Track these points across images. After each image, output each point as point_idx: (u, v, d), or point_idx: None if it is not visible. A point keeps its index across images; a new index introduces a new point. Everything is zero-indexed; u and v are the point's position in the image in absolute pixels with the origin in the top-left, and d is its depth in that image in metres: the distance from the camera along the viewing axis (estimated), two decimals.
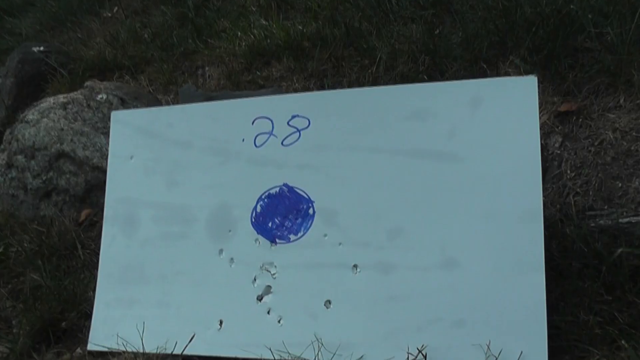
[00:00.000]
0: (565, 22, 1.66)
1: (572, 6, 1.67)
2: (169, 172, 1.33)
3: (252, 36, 2.09)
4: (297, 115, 1.26)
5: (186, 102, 1.61)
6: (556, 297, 1.23)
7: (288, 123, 1.26)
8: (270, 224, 1.23)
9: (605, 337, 1.18)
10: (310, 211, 1.20)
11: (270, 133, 1.27)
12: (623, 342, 1.16)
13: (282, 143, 1.25)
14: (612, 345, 1.17)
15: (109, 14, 2.80)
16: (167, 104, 1.99)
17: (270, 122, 1.27)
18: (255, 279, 1.22)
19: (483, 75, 1.68)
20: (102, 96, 1.93)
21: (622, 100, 1.56)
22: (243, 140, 1.29)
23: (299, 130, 1.25)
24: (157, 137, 1.36)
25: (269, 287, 1.21)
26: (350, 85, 1.79)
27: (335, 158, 1.21)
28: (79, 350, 1.41)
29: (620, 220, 1.31)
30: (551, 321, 1.18)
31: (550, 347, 1.14)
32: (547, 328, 1.10)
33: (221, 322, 1.22)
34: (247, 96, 1.41)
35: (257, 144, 1.27)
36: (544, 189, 1.40)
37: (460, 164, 1.14)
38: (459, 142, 1.15)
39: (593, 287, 1.22)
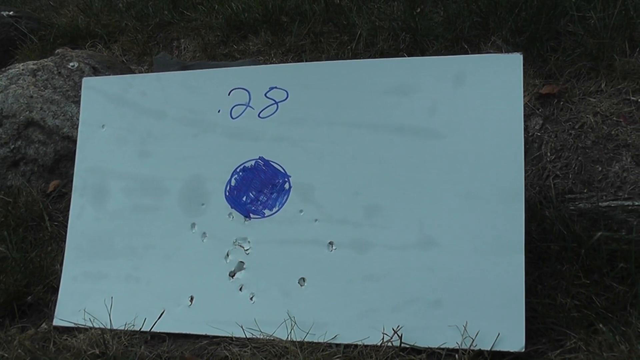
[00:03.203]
0: (549, 5, 1.64)
1: None
2: (142, 142, 1.29)
3: (229, 9, 2.04)
4: (275, 87, 1.22)
5: (161, 70, 1.56)
6: (534, 279, 1.22)
7: (266, 95, 1.22)
8: (244, 198, 1.20)
9: (582, 321, 1.17)
10: (286, 186, 1.17)
11: (247, 104, 1.23)
12: (600, 325, 1.15)
13: (259, 115, 1.22)
14: (589, 329, 1.16)
15: None
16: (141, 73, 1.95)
17: (247, 93, 1.24)
18: (227, 255, 1.18)
19: (464, 54, 1.66)
20: (73, 64, 1.88)
21: (603, 85, 1.55)
22: (219, 111, 1.25)
23: (276, 103, 1.21)
24: (130, 105, 1.32)
25: (241, 263, 1.17)
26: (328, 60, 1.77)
27: (314, 132, 1.18)
28: (44, 325, 1.37)
29: (599, 204, 1.30)
30: (528, 303, 1.17)
31: (527, 330, 1.12)
32: (525, 311, 1.09)
33: (192, 299, 1.19)
34: (224, 66, 1.36)
35: (233, 116, 1.24)
36: (525, 171, 1.39)
37: (441, 140, 1.12)
38: (441, 119, 1.13)
39: (571, 270, 1.21)
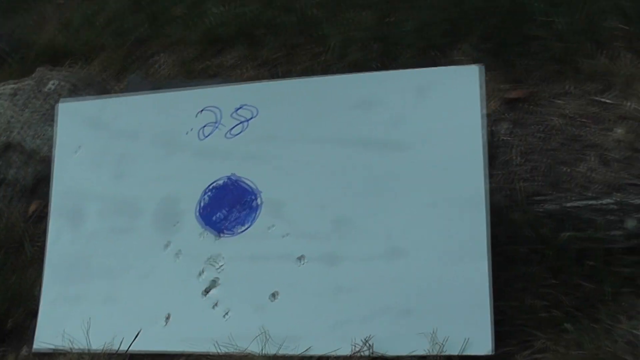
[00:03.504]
0: (516, 11, 1.67)
1: None
2: (116, 164, 1.31)
3: (205, 23, 2.06)
4: (244, 106, 1.25)
5: (134, 91, 1.58)
6: (503, 282, 1.24)
7: (234, 113, 1.25)
8: (216, 216, 1.23)
9: (551, 321, 1.19)
10: (256, 203, 1.20)
11: (217, 124, 1.26)
12: (567, 325, 1.18)
13: (228, 134, 1.24)
14: (557, 328, 1.19)
15: (62, 1, 2.75)
16: (119, 92, 1.96)
17: (216, 112, 1.26)
18: (201, 272, 1.21)
19: (434, 62, 1.68)
20: (52, 84, 1.89)
21: (570, 87, 1.57)
22: (189, 131, 1.27)
23: (245, 121, 1.24)
24: (104, 128, 1.34)
25: (215, 280, 1.20)
26: (302, 73, 1.78)
27: (282, 149, 1.20)
28: (24, 350, 1.39)
29: (565, 204, 1.33)
30: (498, 306, 1.19)
31: (497, 332, 1.15)
32: (494, 314, 1.11)
33: (168, 317, 1.22)
34: (194, 86, 1.39)
35: (204, 135, 1.26)
36: (493, 176, 1.41)
37: (405, 152, 1.15)
38: (404, 131, 1.15)
39: (539, 271, 1.23)
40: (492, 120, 1.55)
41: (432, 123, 1.15)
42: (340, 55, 1.79)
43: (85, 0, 2.64)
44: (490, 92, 1.59)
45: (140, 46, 2.18)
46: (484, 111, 1.14)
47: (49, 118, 1.80)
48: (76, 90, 1.86)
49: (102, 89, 1.93)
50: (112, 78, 2.08)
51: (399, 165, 1.14)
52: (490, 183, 1.33)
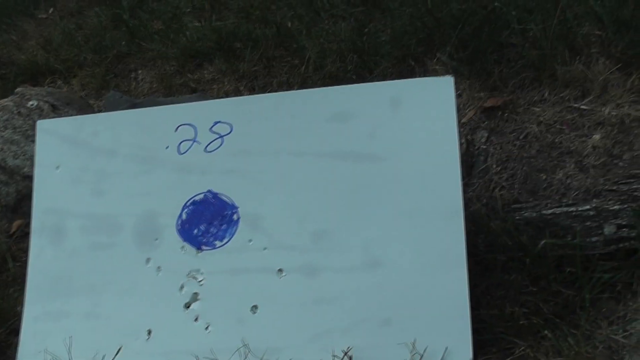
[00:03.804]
0: (491, 19, 1.68)
1: (496, 3, 1.70)
2: (95, 181, 1.32)
3: (184, 38, 2.07)
4: (220, 121, 1.25)
5: (112, 109, 1.59)
6: (482, 290, 1.25)
7: (211, 129, 1.26)
8: (195, 231, 1.23)
9: (530, 328, 1.20)
10: (235, 217, 1.20)
11: (194, 140, 1.26)
12: (546, 332, 1.19)
13: (205, 149, 1.25)
14: (537, 336, 1.20)
15: (44, 16, 2.74)
16: (99, 109, 1.97)
17: (193, 128, 1.27)
18: (182, 287, 1.21)
19: (411, 72, 1.69)
20: (32, 103, 1.90)
21: (546, 94, 1.58)
22: (167, 147, 1.28)
23: (221, 136, 1.24)
24: (83, 145, 1.34)
25: (196, 294, 1.20)
26: (279, 86, 1.79)
27: (259, 163, 1.21)
28: None
29: (544, 211, 1.34)
30: (477, 315, 1.20)
31: (477, 341, 1.16)
32: (473, 322, 1.12)
33: (149, 332, 1.22)
34: (171, 102, 1.39)
35: (181, 151, 1.27)
36: (471, 184, 1.43)
37: (381, 164, 1.15)
38: (380, 143, 1.16)
39: (518, 279, 1.24)
40: (469, 129, 1.56)
41: (408, 134, 1.16)
42: (318, 67, 1.80)
43: (66, 16, 2.64)
44: (467, 101, 1.60)
45: (120, 62, 2.18)
46: (457, 121, 1.15)
47: (30, 137, 1.80)
48: (56, 109, 1.86)
49: (82, 107, 1.94)
50: (92, 96, 2.08)
51: (376, 176, 1.15)
52: (469, 192, 1.34)
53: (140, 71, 2.11)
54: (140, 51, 2.15)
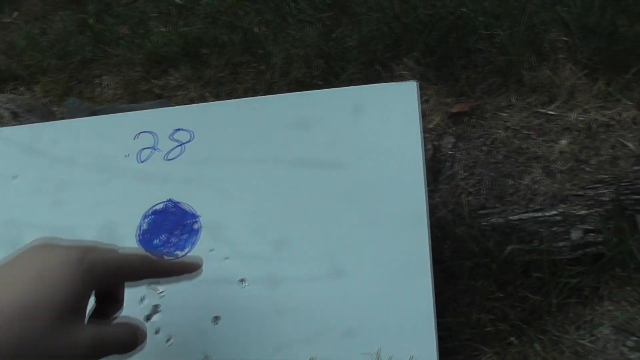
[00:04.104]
0: (458, 24, 1.68)
1: (463, 9, 1.70)
2: (55, 191, 1.28)
3: (150, 43, 2.05)
4: (180, 129, 1.23)
5: (71, 116, 1.56)
6: (448, 297, 1.25)
7: (171, 137, 1.23)
8: (156, 241, 1.20)
9: (497, 334, 1.19)
10: (196, 226, 1.18)
11: (154, 148, 1.24)
12: (512, 338, 1.18)
13: (166, 157, 1.22)
14: (503, 342, 1.19)
15: (8, 20, 2.71)
16: (62, 116, 1.94)
17: (153, 136, 1.24)
18: (142, 299, 1.18)
19: (378, 77, 1.69)
20: None
21: (513, 99, 1.59)
22: (127, 155, 1.25)
23: (182, 144, 1.22)
24: (42, 155, 1.31)
25: (156, 306, 1.17)
26: (245, 92, 1.78)
27: (220, 171, 1.19)
28: None
29: (510, 217, 1.33)
30: (443, 322, 1.19)
31: (443, 349, 1.14)
32: (439, 330, 1.11)
33: None
34: (131, 109, 1.37)
35: (141, 159, 1.24)
36: (437, 190, 1.42)
37: (343, 171, 1.14)
38: (342, 150, 1.15)
39: (485, 285, 1.24)
40: (436, 135, 1.55)
41: (370, 140, 1.14)
42: (284, 72, 1.78)
43: (31, 20, 2.61)
44: (434, 106, 1.60)
45: (84, 68, 2.15)
46: (421, 126, 1.14)
47: None
48: (17, 117, 1.82)
49: (45, 114, 1.91)
50: (55, 103, 2.05)
51: (338, 184, 1.14)
52: (435, 198, 1.33)
53: (104, 77, 2.09)
54: (105, 57, 2.12)
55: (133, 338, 0.85)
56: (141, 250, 0.93)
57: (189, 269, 0.99)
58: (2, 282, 0.70)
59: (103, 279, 0.79)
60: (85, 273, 0.74)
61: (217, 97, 1.81)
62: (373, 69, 1.73)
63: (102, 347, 0.76)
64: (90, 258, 0.77)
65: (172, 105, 1.69)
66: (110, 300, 0.89)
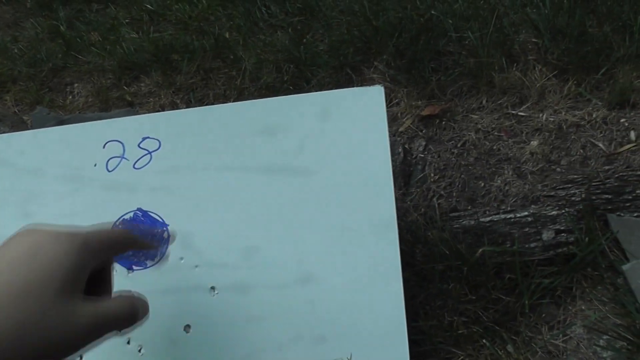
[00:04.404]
0: (428, 27, 1.69)
1: (433, 11, 1.70)
2: (23, 202, 1.27)
3: (121, 50, 2.03)
4: (148, 137, 1.22)
5: (39, 126, 1.55)
6: (420, 301, 1.25)
7: (139, 145, 1.22)
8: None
9: (470, 337, 1.20)
10: (165, 235, 1.17)
11: (122, 156, 1.23)
12: (484, 341, 1.18)
13: (134, 166, 1.21)
14: (476, 344, 1.19)
15: None
16: (32, 125, 1.92)
17: (121, 145, 1.23)
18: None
19: (348, 81, 1.68)
20: None
21: (484, 101, 1.59)
22: (95, 165, 1.24)
23: (150, 152, 1.21)
24: (9, 166, 1.30)
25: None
26: (216, 98, 1.77)
27: (188, 179, 1.18)
28: None
29: (482, 219, 1.34)
30: (416, 326, 1.19)
31: (416, 352, 1.15)
32: (412, 334, 1.11)
33: (81, 357, 1.18)
34: (98, 118, 1.36)
35: (109, 169, 1.23)
36: (409, 194, 1.42)
37: (312, 177, 1.13)
38: (310, 156, 1.14)
39: (457, 288, 1.24)
40: (407, 138, 1.56)
41: (338, 146, 1.14)
42: (254, 78, 1.78)
43: (2, 27, 2.59)
44: (405, 109, 1.60)
45: (55, 76, 2.13)
46: (388, 131, 1.14)
47: None
48: None
49: (15, 123, 1.89)
50: (26, 111, 2.03)
51: (307, 190, 1.13)
52: (407, 201, 1.33)
53: (76, 85, 2.07)
54: (77, 64, 2.10)
55: (134, 311, 0.83)
56: (117, 228, 0.94)
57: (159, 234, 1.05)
58: None
59: (99, 253, 0.77)
60: (81, 248, 0.72)
61: (188, 104, 1.81)
62: (344, 73, 1.72)
63: (104, 322, 0.75)
64: (83, 233, 0.75)
65: (140, 114, 1.68)
66: (100, 282, 0.87)
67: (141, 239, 0.91)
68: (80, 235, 0.74)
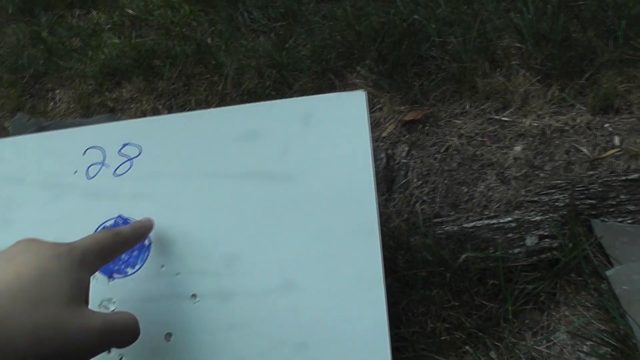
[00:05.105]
0: (411, 32, 1.68)
1: (416, 16, 1.70)
2: (3, 209, 1.25)
3: (103, 55, 2.02)
4: (128, 143, 1.21)
5: (19, 133, 1.53)
6: (403, 308, 1.24)
7: (119, 151, 1.21)
8: None
9: (453, 343, 1.19)
10: (146, 242, 1.16)
11: (102, 163, 1.21)
12: (467, 347, 1.18)
13: (114, 173, 1.20)
14: (459, 351, 1.19)
15: None
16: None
17: (101, 151, 1.22)
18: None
19: (331, 86, 1.68)
20: None
21: (467, 106, 1.59)
22: (75, 172, 1.23)
23: (130, 159, 1.20)
24: None
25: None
26: (198, 103, 1.76)
27: (169, 185, 1.17)
28: None
29: (465, 225, 1.33)
30: (399, 333, 1.19)
31: (399, 359, 1.14)
32: (394, 341, 1.10)
33: None
34: (79, 125, 1.34)
35: (90, 176, 1.22)
36: (392, 200, 1.41)
37: (293, 183, 1.13)
38: (291, 161, 1.14)
39: (440, 294, 1.23)
40: (389, 143, 1.55)
41: (320, 152, 1.13)
42: (236, 83, 1.77)
43: None
44: (388, 115, 1.60)
45: (37, 82, 2.12)
46: (370, 136, 1.13)
47: None
48: None
49: None
50: (7, 118, 2.02)
51: (288, 196, 1.12)
52: (389, 207, 1.33)
53: (57, 91, 2.05)
54: (58, 70, 2.09)
55: (136, 325, 0.88)
56: (104, 230, 0.94)
57: (147, 225, 1.07)
58: (3, 274, 0.70)
59: (94, 265, 0.83)
60: (80, 262, 0.77)
61: (170, 110, 1.79)
62: (326, 78, 1.72)
63: (113, 332, 0.78)
64: (79, 248, 0.79)
65: (122, 119, 1.67)
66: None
67: (127, 237, 0.92)
68: (77, 249, 0.78)
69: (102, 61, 1.99)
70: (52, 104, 2.01)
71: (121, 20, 2.22)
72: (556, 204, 1.34)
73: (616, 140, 1.47)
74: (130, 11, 2.24)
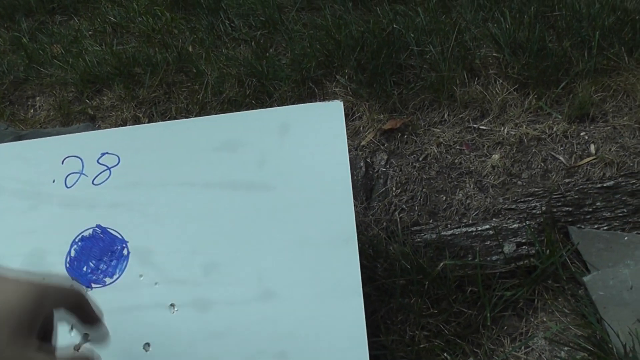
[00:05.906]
0: (389, 41, 1.69)
1: (394, 25, 1.71)
2: None
3: (84, 63, 2.02)
4: (107, 153, 1.21)
5: None
6: (382, 316, 1.25)
7: (98, 161, 1.21)
8: (85, 268, 1.18)
9: (432, 351, 1.20)
10: (125, 252, 1.16)
11: (81, 172, 1.21)
12: (446, 354, 1.19)
13: (92, 182, 1.20)
14: (438, 358, 1.20)
15: None
16: None
17: (80, 160, 1.22)
18: (72, 328, 1.15)
19: (311, 95, 1.69)
20: None
21: (446, 115, 1.60)
22: (54, 181, 1.22)
23: (109, 168, 1.20)
24: None
25: (86, 335, 1.14)
26: (179, 112, 1.76)
27: (147, 195, 1.17)
28: None
29: (443, 232, 1.34)
30: (378, 341, 1.19)
31: None
32: (373, 349, 1.11)
33: None
34: (57, 133, 1.34)
35: (68, 185, 1.22)
36: (371, 208, 1.42)
37: (271, 192, 1.13)
38: (269, 171, 1.14)
39: (418, 302, 1.24)
40: (368, 152, 1.56)
41: (297, 161, 1.14)
42: (217, 92, 1.77)
43: None
44: (367, 123, 1.61)
45: (17, 89, 2.11)
46: (347, 146, 1.14)
47: None
48: None
49: None
50: None
51: (267, 206, 1.13)
52: (368, 215, 1.34)
53: (37, 98, 2.04)
54: (39, 77, 2.08)
55: None
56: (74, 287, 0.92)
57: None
58: None
59: (52, 306, 0.79)
60: (38, 297, 0.73)
61: (151, 118, 1.79)
62: (306, 87, 1.73)
63: None
64: (43, 286, 0.76)
65: (102, 128, 1.67)
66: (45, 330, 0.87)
67: (90, 306, 0.90)
68: (40, 286, 0.75)
69: (83, 68, 1.99)
70: (32, 111, 2.01)
71: (102, 27, 2.22)
72: (533, 211, 1.36)
73: (592, 148, 1.49)
74: (111, 18, 2.24)
